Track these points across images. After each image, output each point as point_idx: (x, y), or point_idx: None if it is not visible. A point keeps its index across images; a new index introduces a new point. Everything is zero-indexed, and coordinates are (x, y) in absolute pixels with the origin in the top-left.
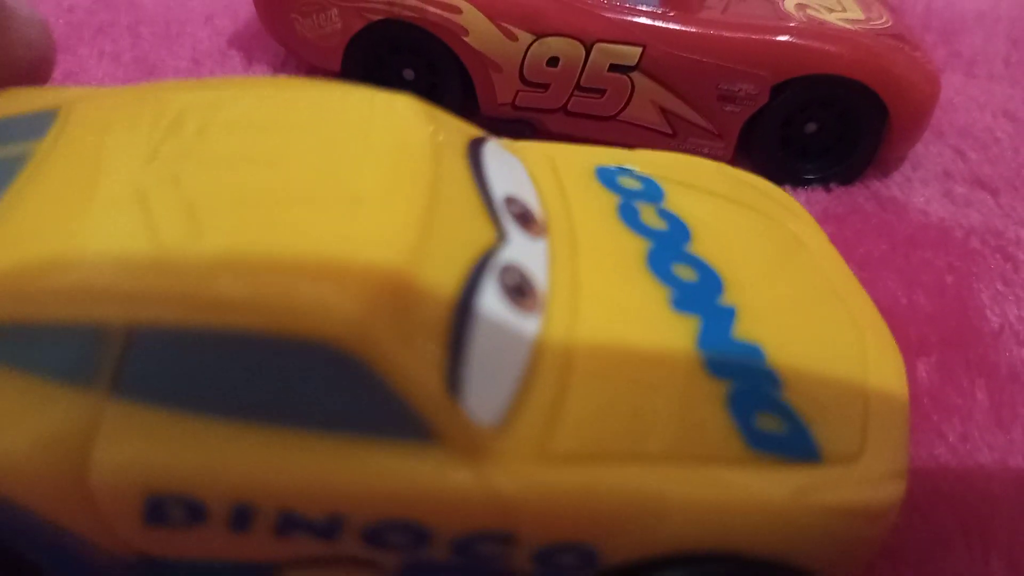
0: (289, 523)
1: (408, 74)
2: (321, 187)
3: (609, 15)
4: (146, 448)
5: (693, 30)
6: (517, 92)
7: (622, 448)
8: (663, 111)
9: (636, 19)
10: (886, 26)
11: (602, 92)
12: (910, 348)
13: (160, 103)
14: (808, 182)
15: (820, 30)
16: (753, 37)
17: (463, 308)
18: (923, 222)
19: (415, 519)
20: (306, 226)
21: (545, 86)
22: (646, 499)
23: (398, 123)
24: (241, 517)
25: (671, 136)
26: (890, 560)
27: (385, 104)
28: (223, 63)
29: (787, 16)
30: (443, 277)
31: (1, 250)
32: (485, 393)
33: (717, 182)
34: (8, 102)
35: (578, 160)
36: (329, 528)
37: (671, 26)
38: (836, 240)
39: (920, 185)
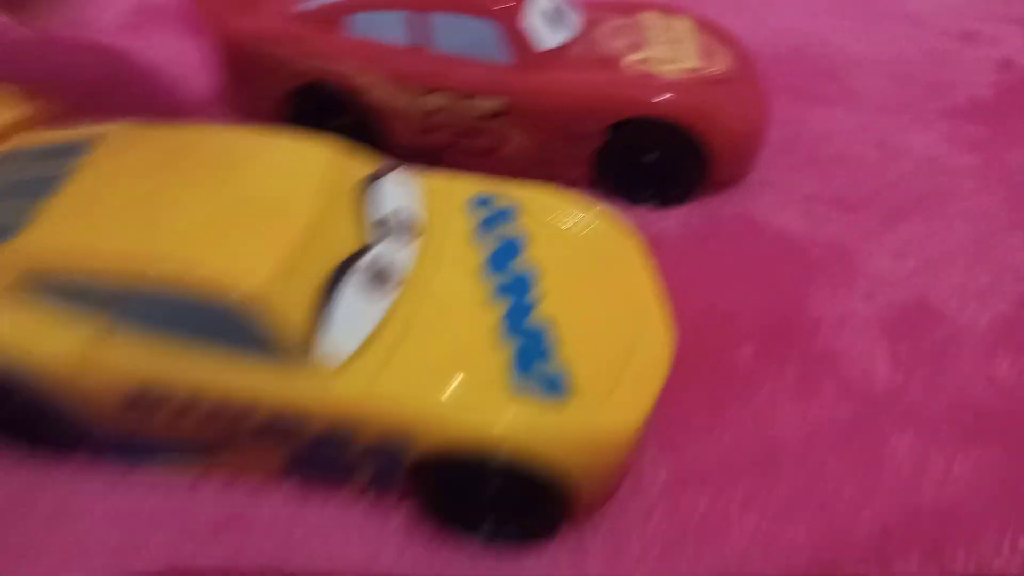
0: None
1: (337, 123)
2: (244, 211)
3: (471, 75)
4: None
5: (540, 85)
6: (412, 136)
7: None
8: (530, 147)
9: (494, 78)
10: (719, 72)
11: (479, 134)
12: (736, 336)
13: (160, 141)
14: (647, 201)
15: (647, 80)
16: (586, 90)
17: (331, 288)
18: (777, 237)
19: (280, 418)
20: (229, 232)
21: (432, 131)
22: None
23: (306, 165)
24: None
25: (540, 164)
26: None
27: (302, 150)
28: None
29: (621, 70)
30: (317, 268)
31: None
32: (335, 344)
33: (567, 206)
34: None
35: (465, 187)
36: (235, 417)
37: (522, 83)
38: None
39: (784, 205)
